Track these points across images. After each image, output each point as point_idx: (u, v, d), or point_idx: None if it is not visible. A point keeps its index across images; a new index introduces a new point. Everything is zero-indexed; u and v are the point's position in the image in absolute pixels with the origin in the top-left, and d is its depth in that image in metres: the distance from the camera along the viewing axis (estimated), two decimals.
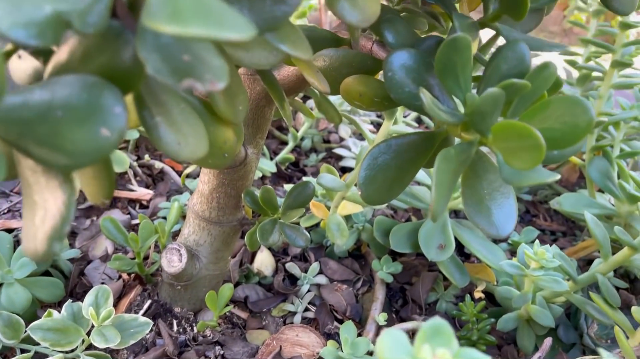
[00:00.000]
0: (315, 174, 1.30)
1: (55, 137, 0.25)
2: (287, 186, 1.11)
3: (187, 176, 1.17)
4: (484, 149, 0.47)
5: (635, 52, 0.93)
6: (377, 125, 1.53)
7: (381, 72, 0.57)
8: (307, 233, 0.77)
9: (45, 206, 0.28)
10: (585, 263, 1.11)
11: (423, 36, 0.48)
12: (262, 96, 0.69)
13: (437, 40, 0.47)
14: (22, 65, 0.33)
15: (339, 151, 1.28)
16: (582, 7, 1.44)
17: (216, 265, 0.82)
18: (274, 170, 1.22)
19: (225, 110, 0.37)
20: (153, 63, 0.24)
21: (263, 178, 1.23)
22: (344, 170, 1.31)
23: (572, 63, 1.24)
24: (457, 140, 0.56)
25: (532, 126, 0.35)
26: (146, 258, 0.92)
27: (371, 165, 0.47)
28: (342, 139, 1.42)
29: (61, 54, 0.28)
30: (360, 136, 1.49)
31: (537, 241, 0.72)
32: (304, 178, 1.15)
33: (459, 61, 0.40)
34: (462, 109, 0.46)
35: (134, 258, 0.86)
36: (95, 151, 0.25)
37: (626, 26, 0.89)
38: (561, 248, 0.98)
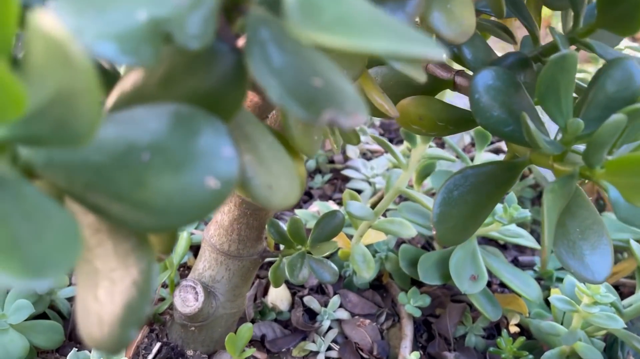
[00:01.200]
0: (322, 196, 1.23)
1: (139, 189, 0.18)
2: (298, 212, 1.05)
3: None
4: None
5: None
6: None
7: (441, 92, 0.52)
8: (334, 267, 0.71)
9: (111, 275, 0.21)
10: None
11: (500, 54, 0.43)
12: None
13: (519, 58, 0.42)
14: None
15: (347, 172, 1.22)
16: None
17: (233, 302, 0.74)
18: None
19: (302, 142, 0.31)
20: (276, 90, 0.18)
21: None
22: None
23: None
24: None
25: None
26: None
27: (446, 200, 0.41)
28: (346, 159, 1.37)
29: (131, 78, 0.21)
30: (364, 156, 1.43)
31: None
32: (315, 203, 1.08)
33: (563, 82, 0.35)
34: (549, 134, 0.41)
35: None
36: (195, 208, 0.18)
37: None
38: None
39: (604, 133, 0.32)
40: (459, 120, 0.46)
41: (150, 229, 0.19)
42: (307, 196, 1.24)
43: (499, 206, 0.80)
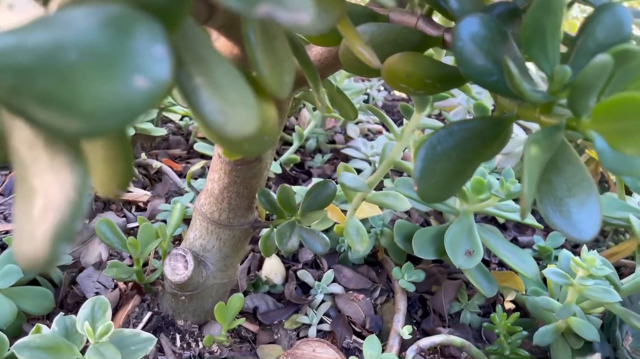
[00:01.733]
0: (322, 176, 1.22)
1: (66, 92, 0.17)
2: (295, 188, 1.04)
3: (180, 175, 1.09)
4: None
5: None
6: (384, 126, 1.46)
7: (429, 50, 0.50)
8: (325, 238, 0.70)
9: (47, 193, 0.20)
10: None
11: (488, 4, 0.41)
12: None
13: (508, 7, 0.40)
14: (14, 19, 0.26)
15: (347, 151, 1.20)
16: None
17: (224, 272, 0.74)
18: (279, 171, 1.14)
19: (270, 78, 0.30)
20: None
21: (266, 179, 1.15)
22: None
23: None
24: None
25: None
26: (144, 264, 0.84)
27: (429, 155, 0.40)
28: (348, 139, 1.35)
29: None
30: (365, 136, 1.42)
31: (584, 246, 0.65)
32: (314, 180, 1.07)
33: (550, 26, 0.33)
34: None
35: (131, 265, 0.78)
36: (124, 110, 0.17)
37: None
38: None
39: (589, 75, 0.31)
40: (447, 77, 0.44)
41: (81, 134, 0.18)
42: (307, 176, 1.23)
43: (495, 181, 0.79)
